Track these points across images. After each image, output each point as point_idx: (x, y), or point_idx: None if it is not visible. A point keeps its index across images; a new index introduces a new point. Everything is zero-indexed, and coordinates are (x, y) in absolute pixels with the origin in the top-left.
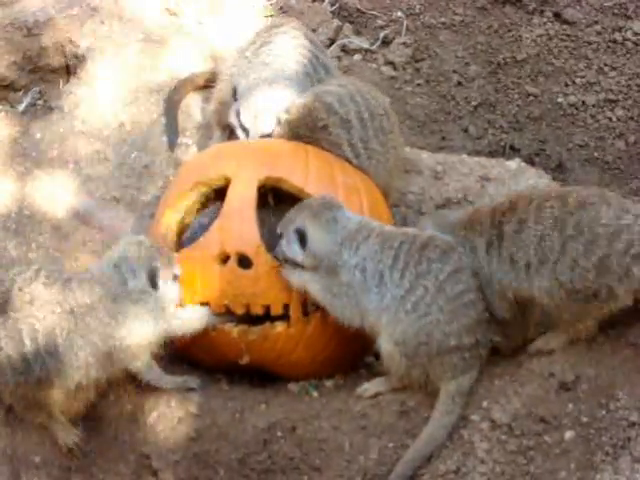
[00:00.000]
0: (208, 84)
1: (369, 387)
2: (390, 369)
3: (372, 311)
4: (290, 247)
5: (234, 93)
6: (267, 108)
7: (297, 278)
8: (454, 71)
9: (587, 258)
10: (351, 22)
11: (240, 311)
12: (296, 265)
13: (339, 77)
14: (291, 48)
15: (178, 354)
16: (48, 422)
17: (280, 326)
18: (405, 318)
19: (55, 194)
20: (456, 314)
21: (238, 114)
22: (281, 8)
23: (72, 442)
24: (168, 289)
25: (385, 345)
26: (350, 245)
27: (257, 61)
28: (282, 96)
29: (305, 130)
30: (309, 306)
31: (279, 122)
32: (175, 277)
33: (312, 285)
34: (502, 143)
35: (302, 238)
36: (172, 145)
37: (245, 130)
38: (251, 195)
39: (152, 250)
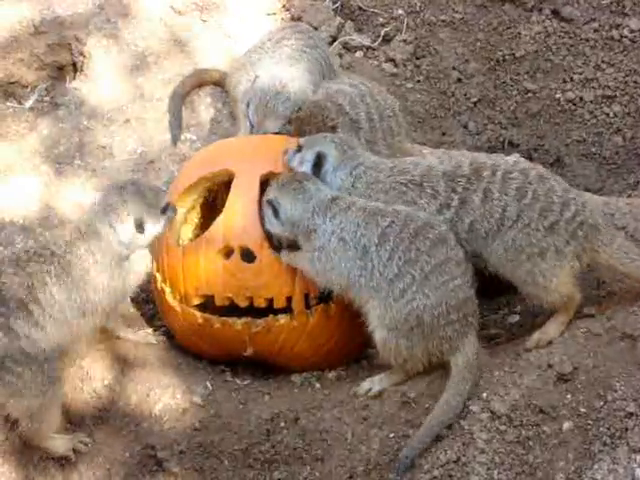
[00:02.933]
0: (216, 83)
1: (372, 386)
2: (390, 359)
3: (358, 284)
4: (268, 220)
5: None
6: (276, 110)
7: (287, 258)
8: (454, 68)
9: (539, 222)
10: (352, 20)
11: (243, 304)
12: (286, 245)
13: (350, 76)
14: (307, 47)
15: (183, 346)
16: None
17: (283, 319)
18: (394, 305)
19: (62, 190)
20: (443, 298)
21: (249, 105)
22: (284, 6)
23: (70, 448)
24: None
25: (379, 334)
26: (324, 212)
27: (274, 56)
28: (294, 98)
29: (313, 128)
30: (311, 299)
31: (290, 122)
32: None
33: (299, 261)
34: (501, 139)
35: (275, 209)
36: (175, 139)
37: (251, 124)
38: (254, 190)
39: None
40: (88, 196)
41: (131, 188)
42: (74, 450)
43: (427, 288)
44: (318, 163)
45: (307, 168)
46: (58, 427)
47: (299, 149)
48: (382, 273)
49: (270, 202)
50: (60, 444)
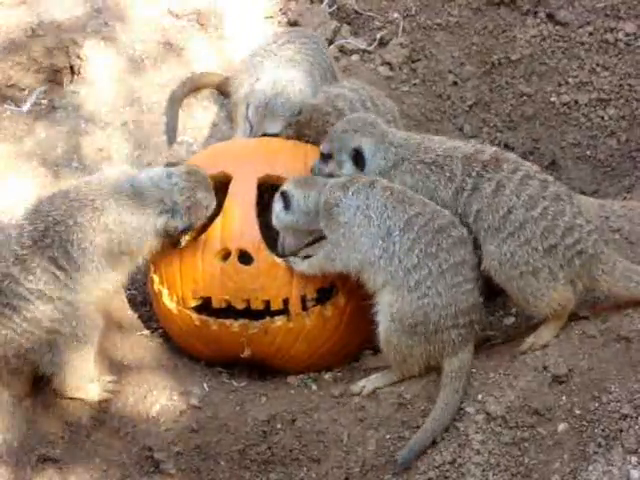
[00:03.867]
0: (216, 87)
1: (366, 385)
2: (389, 354)
3: (377, 265)
4: (276, 215)
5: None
6: (276, 111)
7: (301, 265)
8: (449, 71)
9: (540, 241)
10: (349, 23)
11: (241, 306)
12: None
13: (350, 80)
14: (310, 52)
15: (180, 348)
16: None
17: (280, 321)
18: (407, 295)
19: None
20: (453, 300)
21: (248, 107)
22: (280, 9)
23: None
24: None
25: (383, 324)
26: (345, 188)
27: (276, 59)
28: (294, 100)
29: (311, 131)
30: (308, 301)
31: (289, 125)
32: None
33: (317, 260)
34: (496, 142)
35: (287, 201)
36: (171, 141)
37: (250, 125)
38: (251, 193)
39: None
40: None
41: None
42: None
43: (441, 285)
44: (357, 160)
45: (348, 170)
46: (92, 377)
47: (324, 157)
48: (401, 260)
49: (284, 193)
50: (92, 391)
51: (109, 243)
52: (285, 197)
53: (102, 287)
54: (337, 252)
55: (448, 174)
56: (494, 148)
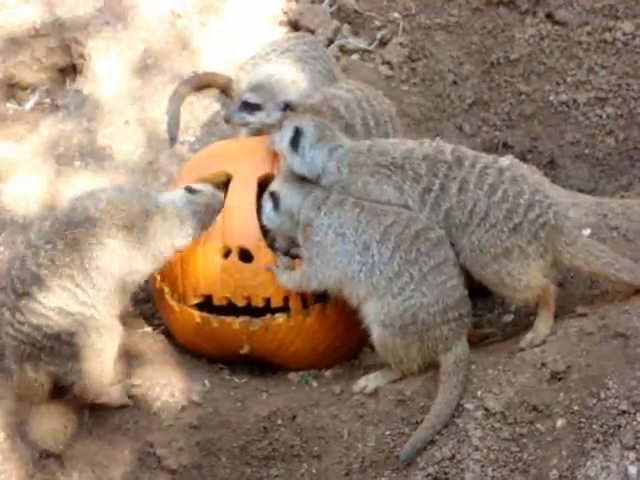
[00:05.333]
0: (220, 88)
1: (367, 384)
2: (387, 357)
3: (357, 279)
4: (265, 215)
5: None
6: (264, 86)
7: (281, 277)
8: (449, 70)
9: (504, 223)
10: (349, 23)
11: (241, 303)
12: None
13: (348, 81)
14: (310, 59)
15: (182, 344)
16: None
17: (280, 318)
18: (392, 301)
19: (62, 190)
20: (440, 297)
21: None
22: (281, 9)
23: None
24: None
25: (376, 331)
26: (319, 209)
27: (281, 61)
28: (286, 85)
29: None
30: (308, 299)
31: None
32: None
33: (295, 276)
34: (495, 140)
35: (276, 201)
36: (173, 139)
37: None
38: (252, 191)
39: None
40: None
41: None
42: (129, 396)
43: (425, 287)
44: (296, 139)
45: (285, 142)
46: (112, 381)
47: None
48: (382, 271)
49: (273, 193)
50: (115, 396)
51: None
52: (274, 197)
53: (120, 300)
54: (312, 270)
55: (412, 174)
56: (451, 146)
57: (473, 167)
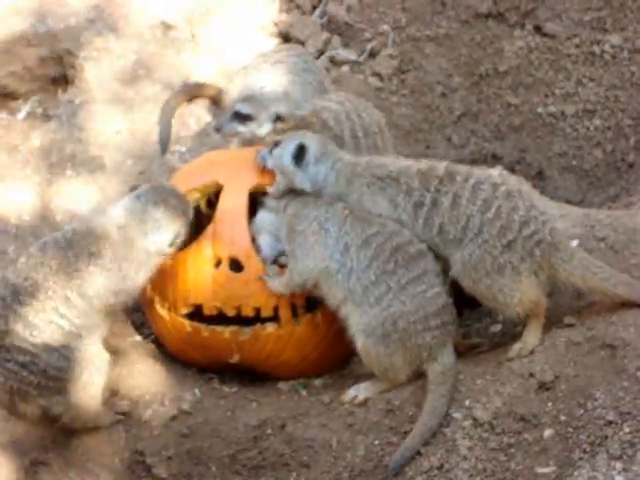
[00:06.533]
0: (210, 98)
1: (357, 394)
2: (372, 366)
3: (335, 279)
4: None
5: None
6: (255, 97)
7: (271, 283)
8: (438, 82)
9: (498, 239)
10: (339, 34)
11: (232, 313)
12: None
13: (338, 93)
14: (300, 71)
15: (172, 354)
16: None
17: (270, 327)
18: (369, 310)
19: (54, 200)
20: (420, 305)
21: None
22: (272, 20)
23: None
24: None
25: (359, 340)
26: (307, 203)
27: (272, 72)
28: (276, 97)
29: None
30: (298, 308)
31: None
32: None
33: (284, 279)
34: (484, 152)
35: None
36: (164, 149)
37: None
38: (242, 201)
39: None
40: (79, 206)
41: (173, 202)
42: (120, 413)
43: (404, 296)
44: (299, 155)
45: (287, 160)
46: (99, 407)
47: (275, 146)
48: (359, 278)
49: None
50: (104, 419)
51: (109, 286)
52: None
53: (107, 325)
54: (293, 264)
55: (405, 187)
56: (445, 162)
57: (466, 182)
